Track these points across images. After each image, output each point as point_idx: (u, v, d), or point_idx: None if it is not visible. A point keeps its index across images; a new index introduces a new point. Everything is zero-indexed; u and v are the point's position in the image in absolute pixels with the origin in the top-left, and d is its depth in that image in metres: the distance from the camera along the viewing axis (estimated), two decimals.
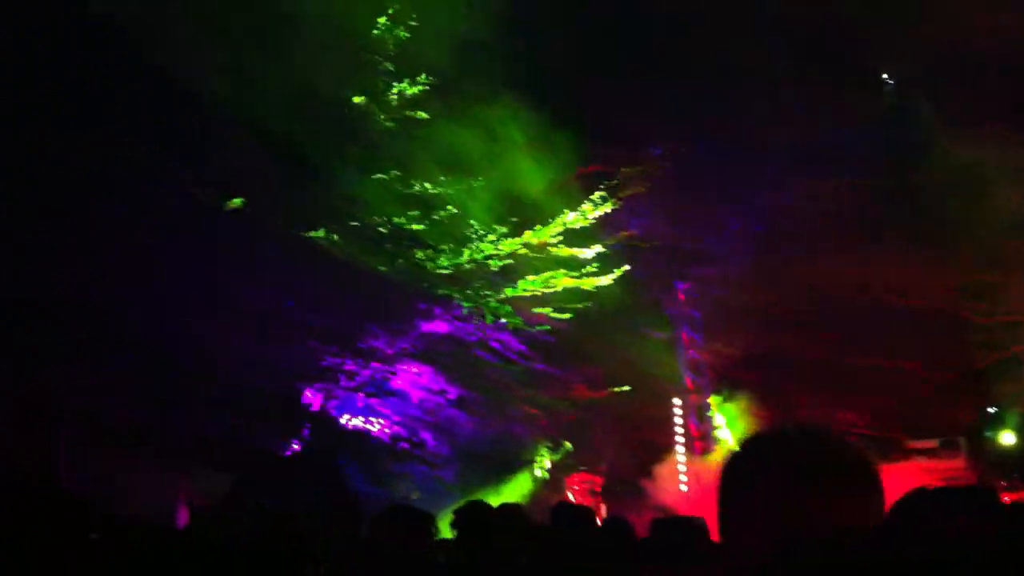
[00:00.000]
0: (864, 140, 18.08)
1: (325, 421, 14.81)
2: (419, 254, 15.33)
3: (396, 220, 14.66)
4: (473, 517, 6.31)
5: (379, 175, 14.77)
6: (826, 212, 18.67)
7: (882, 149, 18.36)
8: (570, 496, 17.48)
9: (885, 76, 18.26)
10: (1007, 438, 18.68)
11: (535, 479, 18.05)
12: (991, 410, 20.59)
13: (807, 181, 18.37)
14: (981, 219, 17.65)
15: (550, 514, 6.63)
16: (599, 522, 6.62)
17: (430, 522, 5.68)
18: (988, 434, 19.81)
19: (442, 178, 15.00)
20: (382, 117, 14.39)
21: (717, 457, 18.41)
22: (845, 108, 17.47)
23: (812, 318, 19.16)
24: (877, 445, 19.03)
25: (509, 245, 16.23)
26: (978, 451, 19.10)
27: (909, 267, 18.28)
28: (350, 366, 15.13)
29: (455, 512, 6.11)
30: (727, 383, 19.31)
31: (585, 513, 6.27)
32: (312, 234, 14.42)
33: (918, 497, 2.33)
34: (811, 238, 18.72)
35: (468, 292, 15.88)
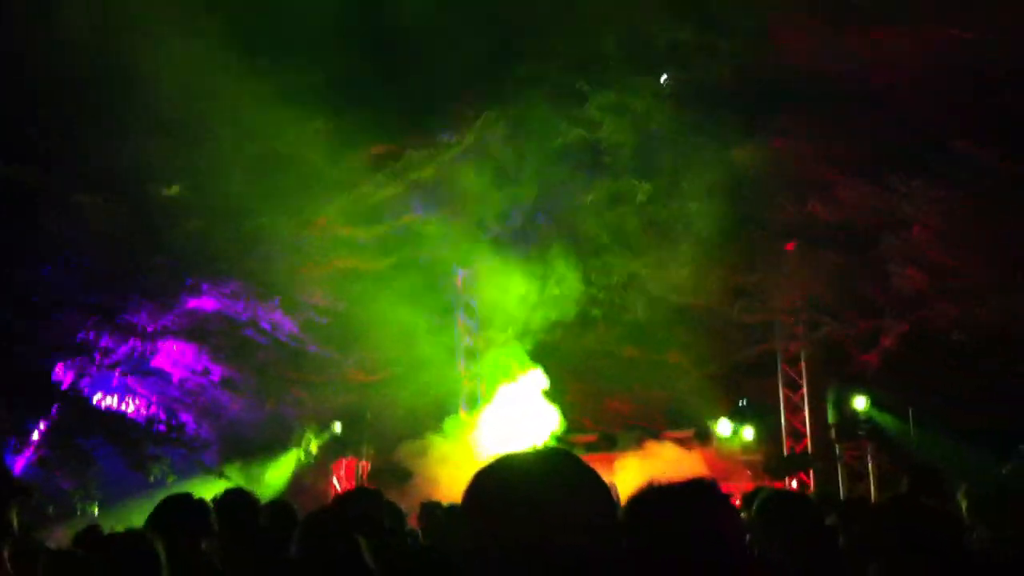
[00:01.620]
0: (647, 143, 18.59)
1: (76, 399, 13.77)
2: (191, 225, 14.48)
3: (170, 191, 13.76)
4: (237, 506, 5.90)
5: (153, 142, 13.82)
6: (611, 209, 19.11)
7: (658, 153, 18.92)
8: (335, 482, 17.13)
9: (664, 79, 18.70)
10: (748, 432, 19.73)
11: (300, 463, 17.56)
12: (742, 403, 21.79)
13: (588, 178, 18.77)
14: (746, 224, 18.55)
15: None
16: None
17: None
18: (736, 426, 20.92)
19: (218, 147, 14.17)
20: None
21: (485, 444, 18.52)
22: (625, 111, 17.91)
23: (591, 311, 19.62)
24: (637, 434, 19.78)
25: (288, 221, 15.63)
26: (729, 442, 20.08)
27: (682, 267, 18.98)
28: (107, 341, 14.12)
29: (215, 502, 5.71)
30: (501, 369, 19.42)
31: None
32: (80, 200, 13.31)
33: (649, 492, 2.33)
34: (592, 235, 19.14)
35: (241, 267, 15.17)
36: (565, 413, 18.88)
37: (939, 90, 13.54)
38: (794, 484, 18.48)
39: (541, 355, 19.09)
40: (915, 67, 13.56)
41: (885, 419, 18.36)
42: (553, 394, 18.77)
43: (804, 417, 19.58)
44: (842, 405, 18.78)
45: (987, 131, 13.77)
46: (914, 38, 13.44)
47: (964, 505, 5.24)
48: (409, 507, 9.04)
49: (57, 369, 13.75)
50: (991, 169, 13.94)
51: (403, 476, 17.05)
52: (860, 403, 18.46)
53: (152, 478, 14.19)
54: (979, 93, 13.51)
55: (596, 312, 19.34)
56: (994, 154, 13.77)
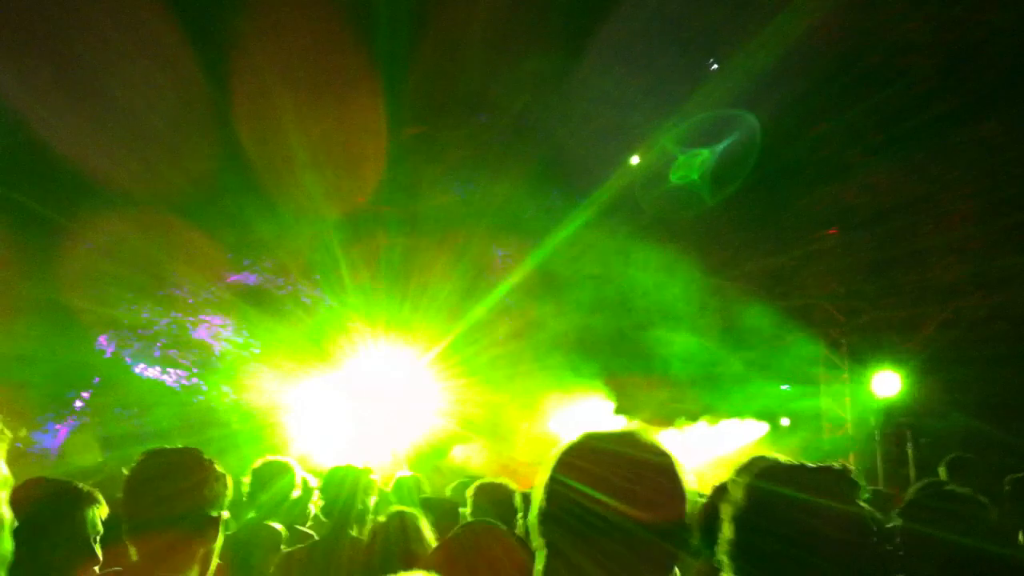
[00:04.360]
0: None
1: (117, 370, 14.21)
2: (230, 201, 14.81)
3: (206, 165, 14.07)
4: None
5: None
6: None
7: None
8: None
9: (712, 62, 18.58)
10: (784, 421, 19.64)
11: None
12: (784, 387, 21.62)
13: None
14: (785, 209, 18.45)
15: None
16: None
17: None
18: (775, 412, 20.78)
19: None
20: None
21: None
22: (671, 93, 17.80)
23: (625, 293, 19.64)
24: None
25: (326, 202, 15.89)
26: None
27: (721, 250, 18.94)
28: (148, 314, 14.55)
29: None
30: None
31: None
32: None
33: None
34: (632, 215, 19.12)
35: (278, 244, 15.49)
36: (599, 391, 18.93)
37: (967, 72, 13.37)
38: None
39: (581, 336, 19.13)
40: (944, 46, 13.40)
41: (925, 405, 18.17)
42: (591, 377, 18.81)
43: (845, 402, 19.46)
44: (883, 391, 18.61)
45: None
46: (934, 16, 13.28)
47: None
48: (444, 481, 9.34)
49: (100, 340, 14.20)
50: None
51: (442, 452, 17.31)
52: (901, 388, 18.33)
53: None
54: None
55: (634, 293, 19.35)
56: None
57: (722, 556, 2.20)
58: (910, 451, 18.12)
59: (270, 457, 6.37)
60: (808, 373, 20.14)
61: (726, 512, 2.23)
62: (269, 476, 6.05)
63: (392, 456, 15.57)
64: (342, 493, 5.58)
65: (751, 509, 2.21)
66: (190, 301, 14.83)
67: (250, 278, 15.69)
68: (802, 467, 2.34)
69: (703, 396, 20.12)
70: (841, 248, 17.94)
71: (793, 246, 18.24)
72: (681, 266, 19.07)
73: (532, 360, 18.14)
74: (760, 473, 2.33)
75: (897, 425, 18.48)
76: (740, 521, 2.18)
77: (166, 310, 14.69)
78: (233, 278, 15.59)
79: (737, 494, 2.24)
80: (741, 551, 2.18)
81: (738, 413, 19.64)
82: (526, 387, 18.44)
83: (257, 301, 15.86)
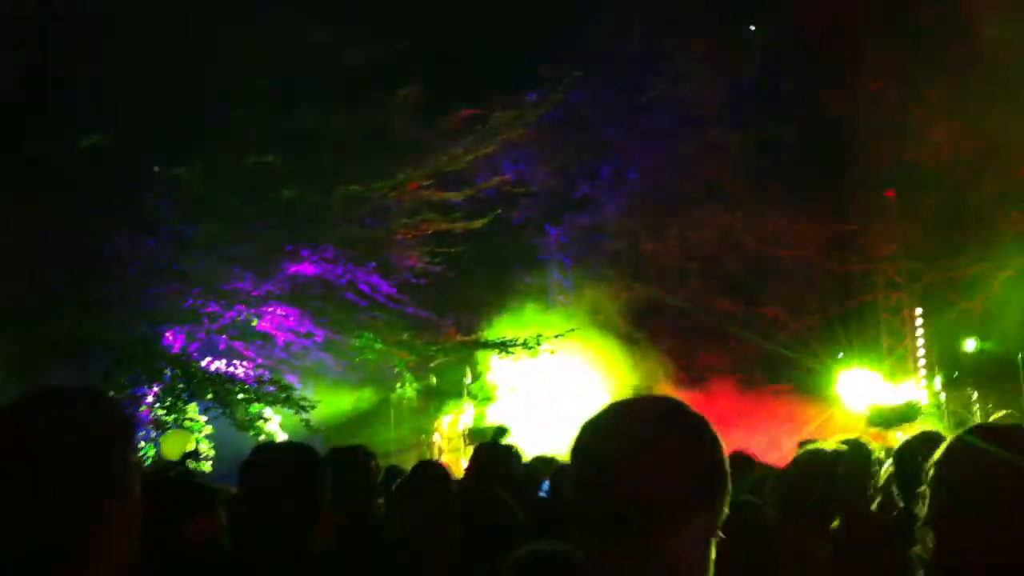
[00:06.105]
0: (737, 93, 18.34)
1: (186, 364, 14.38)
2: (286, 192, 14.87)
3: (261, 157, 14.13)
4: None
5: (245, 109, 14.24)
6: (701, 163, 18.96)
7: (754, 102, 18.62)
8: (436, 439, 17.51)
9: (752, 28, 18.45)
10: None
11: (401, 422, 18.03)
12: (840, 355, 21.42)
13: (684, 132, 18.62)
14: (845, 171, 18.21)
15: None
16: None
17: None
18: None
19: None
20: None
21: None
22: (719, 61, 17.68)
23: (683, 266, 19.56)
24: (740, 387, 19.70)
25: (380, 186, 15.92)
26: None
27: (777, 218, 18.77)
28: (213, 308, 14.70)
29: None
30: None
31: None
32: (174, 171, 13.80)
33: None
34: (685, 188, 19.03)
35: (336, 233, 15.56)
36: (661, 366, 18.89)
37: None
38: (899, 435, 18.21)
39: (636, 309, 19.12)
40: None
41: (991, 366, 17.93)
42: (648, 348, 18.78)
43: (907, 366, 19.25)
44: (946, 353, 18.43)
45: None
46: None
47: None
48: None
49: (167, 336, 14.40)
50: None
51: (499, 434, 17.31)
52: (966, 349, 18.17)
53: (261, 438, 14.74)
54: None
55: (692, 266, 19.28)
56: None
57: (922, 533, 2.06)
58: (978, 413, 17.89)
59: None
60: (868, 338, 19.95)
61: (926, 481, 2.09)
62: None
63: None
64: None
65: (960, 472, 2.08)
66: (253, 293, 14.96)
67: (309, 269, 15.75)
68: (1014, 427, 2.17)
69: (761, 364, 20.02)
70: (901, 208, 17.71)
71: (852, 210, 18.04)
72: (736, 236, 18.90)
73: None
74: (969, 432, 2.18)
75: (961, 387, 18.27)
76: (950, 487, 2.04)
77: (230, 303, 14.81)
78: (292, 269, 15.66)
79: (936, 457, 2.12)
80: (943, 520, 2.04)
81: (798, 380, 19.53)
82: None
83: (318, 291, 15.95)
